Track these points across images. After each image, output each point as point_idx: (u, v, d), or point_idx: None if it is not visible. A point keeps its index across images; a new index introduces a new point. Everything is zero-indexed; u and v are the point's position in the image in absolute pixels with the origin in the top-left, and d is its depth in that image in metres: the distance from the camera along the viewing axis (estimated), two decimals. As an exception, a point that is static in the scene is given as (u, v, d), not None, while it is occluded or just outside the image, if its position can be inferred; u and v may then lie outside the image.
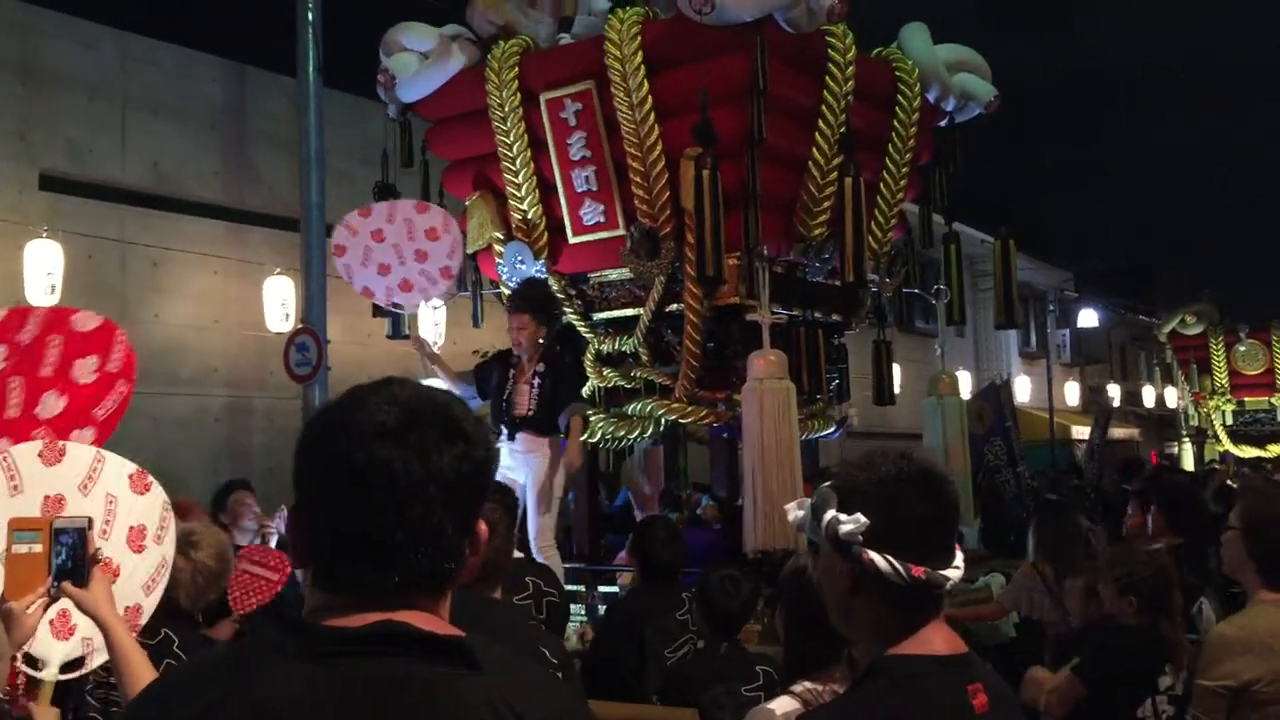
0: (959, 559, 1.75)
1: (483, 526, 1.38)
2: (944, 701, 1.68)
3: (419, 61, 6.87)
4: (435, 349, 6.73)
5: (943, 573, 1.71)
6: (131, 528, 2.88)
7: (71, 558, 2.42)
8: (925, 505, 1.73)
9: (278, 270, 10.84)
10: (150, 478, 2.97)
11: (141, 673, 2.39)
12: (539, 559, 5.68)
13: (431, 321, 9.98)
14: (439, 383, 6.69)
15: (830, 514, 1.72)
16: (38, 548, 2.43)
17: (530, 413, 6.07)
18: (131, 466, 2.94)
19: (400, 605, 1.30)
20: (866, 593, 1.71)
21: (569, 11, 6.73)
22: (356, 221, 6.62)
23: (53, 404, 3.48)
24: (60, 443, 2.94)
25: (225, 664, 1.37)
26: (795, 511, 1.80)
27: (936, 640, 1.72)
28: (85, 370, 3.51)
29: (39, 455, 2.83)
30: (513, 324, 6.23)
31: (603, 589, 6.20)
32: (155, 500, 2.96)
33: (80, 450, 2.92)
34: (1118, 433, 23.07)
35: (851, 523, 1.70)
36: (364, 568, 1.30)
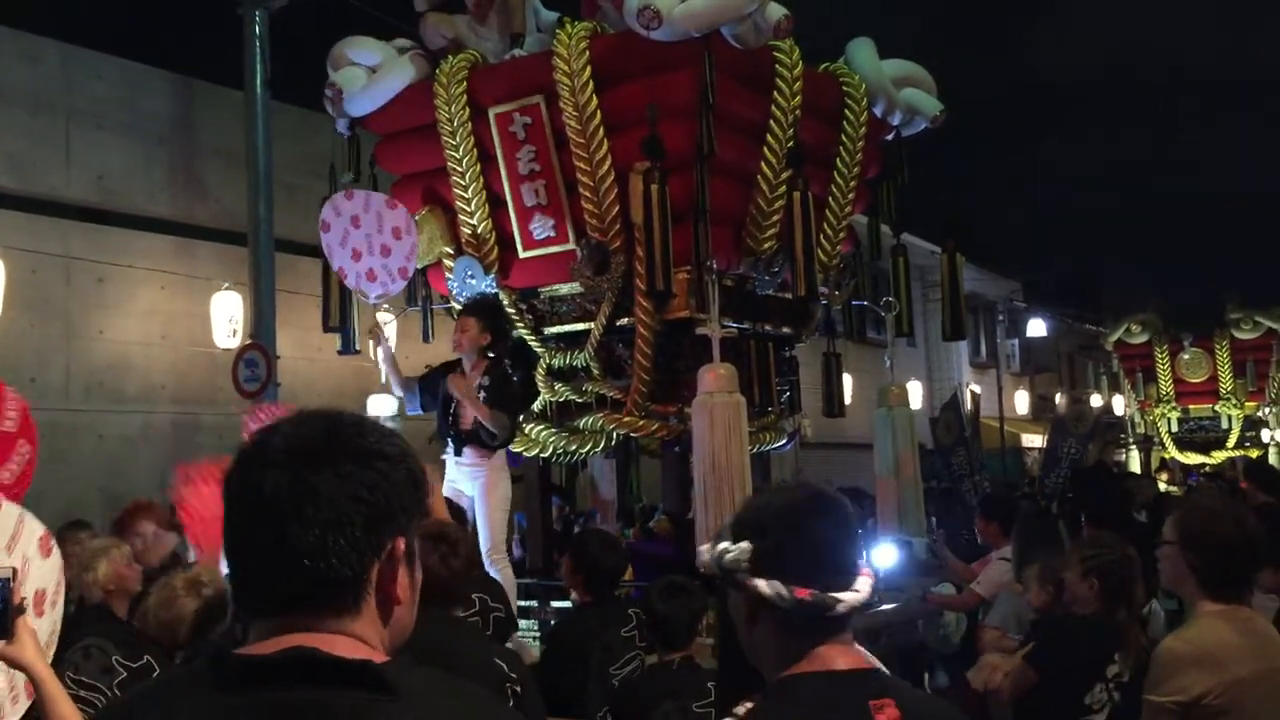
0: (862, 582, 1.75)
1: (400, 545, 1.35)
2: (834, 717, 1.67)
3: (366, 75, 6.84)
4: (389, 342, 6.66)
5: (835, 595, 1.70)
6: (37, 591, 2.85)
7: None
8: (813, 528, 1.74)
9: (226, 285, 10.73)
10: (53, 540, 2.94)
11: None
12: (491, 571, 5.65)
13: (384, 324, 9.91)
14: (387, 399, 6.65)
15: (721, 545, 1.75)
16: None
17: (475, 427, 6.04)
18: (40, 528, 2.91)
19: (311, 628, 1.30)
20: (764, 622, 1.72)
21: (519, 28, 6.74)
22: (341, 203, 6.57)
23: None
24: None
25: (153, 696, 1.36)
26: (704, 550, 1.82)
27: (836, 658, 1.72)
28: None
29: None
30: (457, 326, 6.23)
31: (555, 604, 6.17)
32: (55, 564, 2.94)
33: (8, 507, 2.88)
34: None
35: (735, 550, 1.72)
36: (259, 590, 1.33)
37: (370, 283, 6.45)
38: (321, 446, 1.33)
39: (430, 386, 6.34)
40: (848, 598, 1.71)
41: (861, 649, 1.78)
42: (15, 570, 2.51)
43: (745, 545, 1.71)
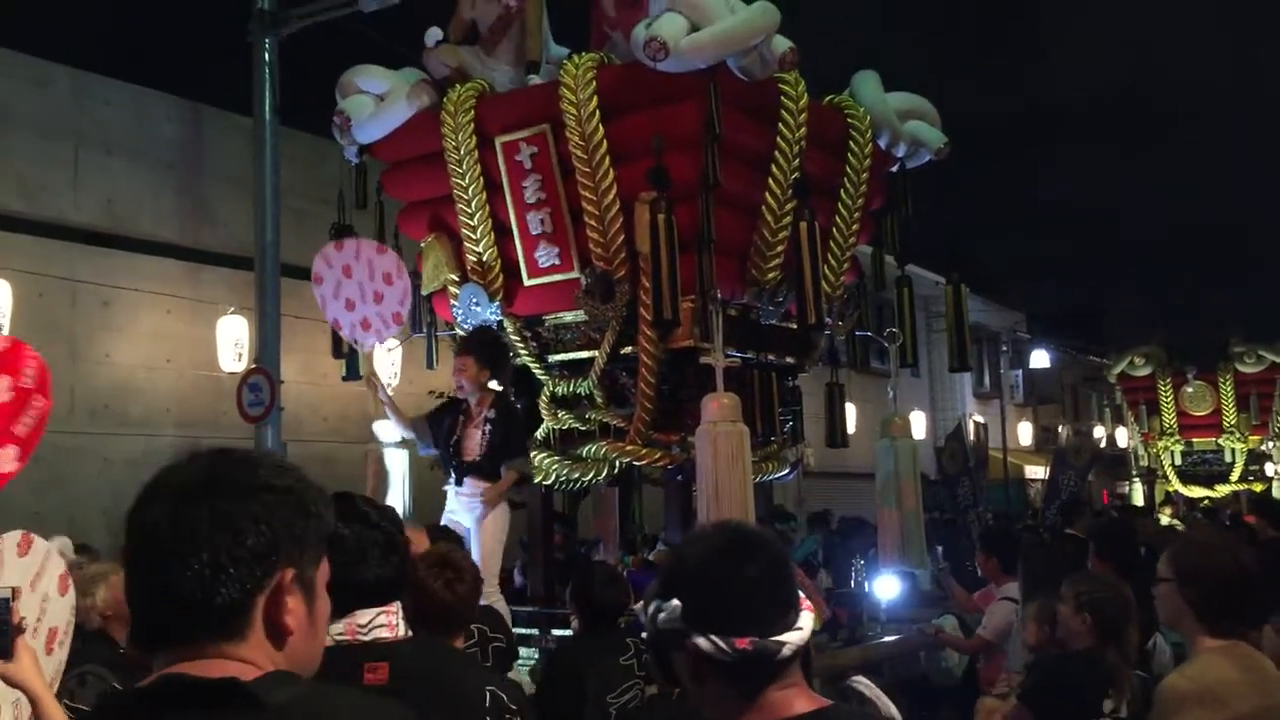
0: (802, 619, 1.69)
1: (288, 576, 1.38)
2: None
3: (374, 104, 6.89)
4: (390, 390, 6.70)
5: (776, 639, 1.64)
6: (50, 629, 2.87)
7: None
8: (739, 574, 1.67)
9: (232, 310, 10.76)
10: (69, 580, 2.96)
11: None
12: (484, 602, 5.63)
13: (388, 362, 9.94)
14: (390, 424, 6.67)
15: (652, 605, 1.69)
16: None
17: (478, 458, 6.04)
18: (62, 566, 2.93)
19: (195, 657, 1.33)
20: (710, 678, 1.66)
21: (533, 55, 6.74)
22: (332, 254, 6.63)
23: None
24: (31, 535, 2.92)
25: None
26: (640, 609, 1.76)
27: (791, 703, 1.67)
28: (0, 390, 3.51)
29: (16, 545, 2.85)
30: (456, 365, 6.24)
31: (556, 633, 6.16)
32: (69, 603, 2.96)
33: (39, 544, 2.90)
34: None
35: (667, 610, 1.66)
36: (146, 624, 1.38)
37: (365, 332, 6.49)
38: (202, 482, 1.37)
39: (438, 422, 6.33)
40: (791, 638, 1.66)
41: (810, 690, 1.73)
42: (15, 590, 2.51)
43: (675, 604, 1.65)
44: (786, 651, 1.65)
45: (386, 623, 2.36)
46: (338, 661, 2.24)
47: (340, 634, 2.31)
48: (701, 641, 1.63)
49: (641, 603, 1.76)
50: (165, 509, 1.35)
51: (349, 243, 6.68)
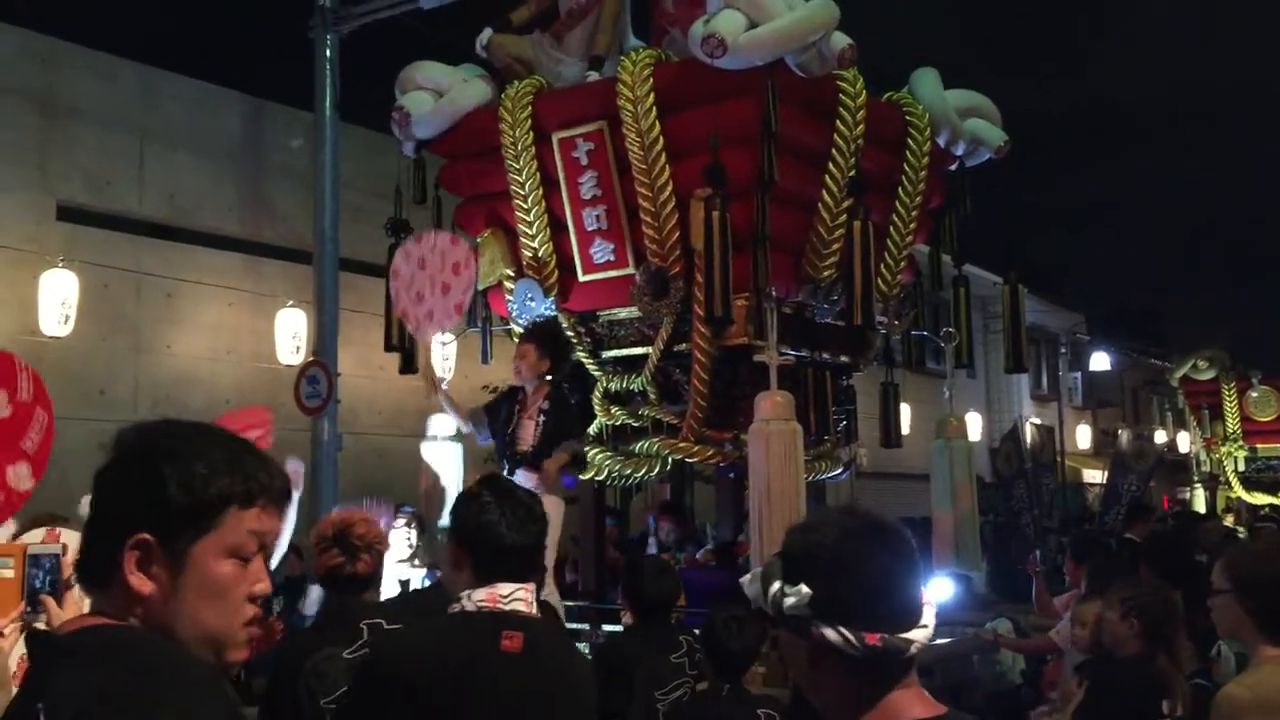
0: (927, 616, 1.62)
1: (140, 540, 1.48)
2: None
3: (433, 100, 6.94)
4: (445, 384, 6.75)
5: (904, 636, 1.58)
6: (75, 599, 2.92)
7: (46, 582, 2.48)
8: (876, 565, 1.60)
9: (290, 303, 10.91)
10: None
11: None
12: (541, 596, 5.66)
13: (441, 356, 10.02)
14: (446, 418, 6.73)
15: (775, 587, 1.60)
16: (9, 573, 2.49)
17: (531, 449, 6.07)
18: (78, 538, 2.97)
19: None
20: (827, 666, 1.58)
21: (600, 50, 6.74)
22: (412, 248, 6.72)
23: None
24: (57, 529, 2.96)
25: None
26: (749, 585, 1.68)
27: (910, 707, 1.61)
28: None
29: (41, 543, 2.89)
30: (516, 353, 6.28)
31: (607, 628, 6.17)
32: None
33: (67, 536, 2.95)
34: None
35: (794, 595, 1.58)
36: None
37: (428, 324, 6.56)
38: (112, 448, 1.55)
39: (495, 413, 6.38)
40: (918, 636, 1.59)
41: (925, 692, 1.66)
42: (66, 546, 2.59)
43: (803, 590, 1.57)
44: (912, 650, 1.60)
45: (524, 598, 2.57)
46: (479, 624, 2.53)
47: (482, 601, 2.54)
48: (830, 633, 1.56)
49: (753, 578, 1.68)
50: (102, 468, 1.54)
51: (426, 236, 6.74)
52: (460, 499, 2.77)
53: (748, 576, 1.70)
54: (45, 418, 3.54)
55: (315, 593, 5.82)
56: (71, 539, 2.91)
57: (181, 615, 1.51)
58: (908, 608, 1.61)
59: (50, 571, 2.51)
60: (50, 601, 2.48)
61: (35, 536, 2.92)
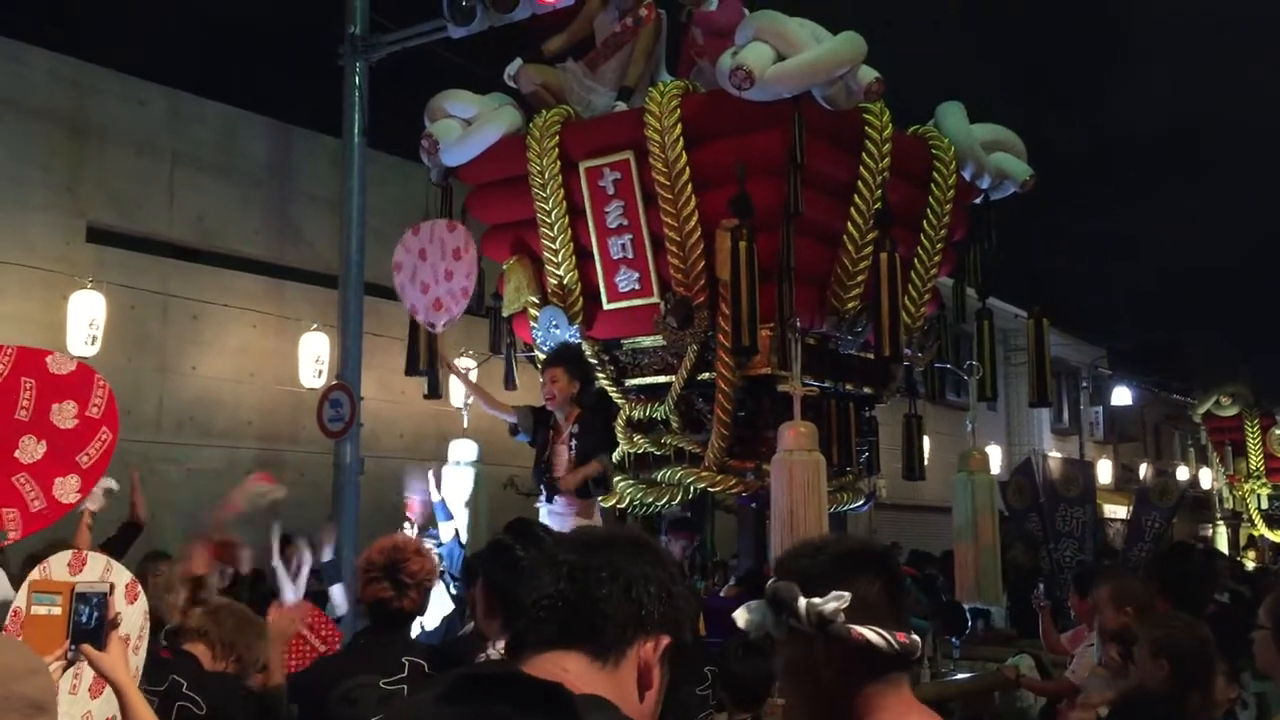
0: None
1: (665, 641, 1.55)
2: None
3: (462, 128, 7.00)
4: (471, 374, 6.78)
5: (915, 637, 1.76)
6: (124, 636, 2.92)
7: (91, 620, 2.49)
8: (889, 576, 1.79)
9: (314, 326, 10.97)
10: (139, 587, 2.98)
11: None
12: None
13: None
14: (467, 444, 6.75)
15: (804, 601, 1.73)
16: (57, 610, 2.50)
17: (565, 475, 6.10)
18: (128, 575, 2.96)
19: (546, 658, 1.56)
20: (852, 673, 1.73)
21: (631, 82, 6.79)
22: (410, 240, 6.86)
23: (32, 449, 3.45)
24: (84, 552, 2.96)
25: None
26: (744, 615, 1.81)
27: (911, 707, 1.77)
28: (65, 415, 3.48)
29: (68, 565, 2.87)
30: (545, 378, 6.28)
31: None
32: (140, 609, 2.96)
33: (95, 557, 2.94)
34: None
35: (834, 600, 1.72)
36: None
37: (437, 312, 6.67)
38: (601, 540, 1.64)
39: (536, 425, 6.41)
40: (918, 639, 1.77)
41: (923, 706, 1.81)
42: (112, 586, 2.60)
43: (843, 595, 1.71)
44: (918, 652, 1.77)
45: None
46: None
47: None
48: (870, 634, 1.70)
49: (753, 609, 1.80)
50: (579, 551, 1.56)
51: (424, 225, 6.85)
52: (490, 548, 2.76)
53: (741, 610, 1.83)
54: (109, 437, 3.54)
55: (338, 594, 5.81)
56: (122, 577, 2.92)
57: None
58: (904, 617, 1.80)
59: (97, 608, 2.51)
60: (90, 650, 2.49)
61: (60, 560, 2.89)
